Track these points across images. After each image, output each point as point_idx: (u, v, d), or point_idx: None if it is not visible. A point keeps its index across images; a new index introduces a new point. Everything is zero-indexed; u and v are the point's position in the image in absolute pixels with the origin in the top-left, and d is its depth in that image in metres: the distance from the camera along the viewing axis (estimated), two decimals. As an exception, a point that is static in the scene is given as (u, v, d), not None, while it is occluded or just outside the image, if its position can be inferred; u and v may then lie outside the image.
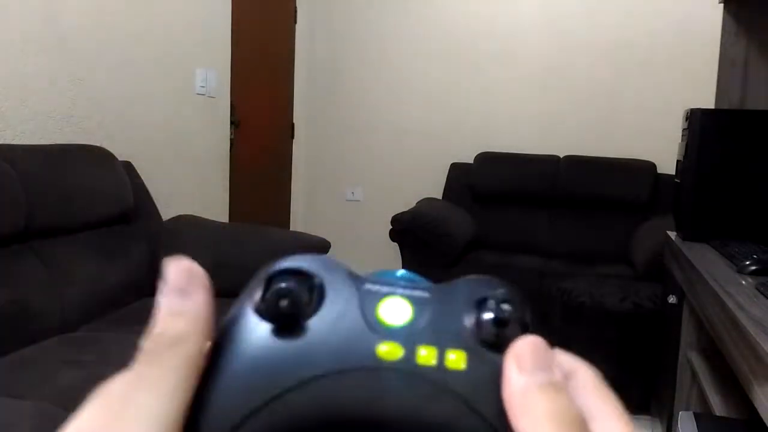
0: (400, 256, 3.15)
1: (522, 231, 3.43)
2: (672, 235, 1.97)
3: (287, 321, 0.19)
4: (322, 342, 0.19)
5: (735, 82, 2.06)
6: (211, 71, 3.05)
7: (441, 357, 0.19)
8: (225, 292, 1.84)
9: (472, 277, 0.21)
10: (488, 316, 0.19)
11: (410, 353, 0.19)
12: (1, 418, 1.19)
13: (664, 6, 3.42)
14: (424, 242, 3.04)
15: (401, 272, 0.21)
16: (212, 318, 0.19)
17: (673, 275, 1.84)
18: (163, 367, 0.17)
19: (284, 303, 0.19)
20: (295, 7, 3.94)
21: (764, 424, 0.91)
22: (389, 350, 0.19)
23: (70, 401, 1.30)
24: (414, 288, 0.20)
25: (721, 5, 2.07)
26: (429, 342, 0.19)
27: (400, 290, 0.20)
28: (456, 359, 0.19)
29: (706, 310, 1.35)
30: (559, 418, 0.17)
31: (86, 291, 1.91)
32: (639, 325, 2.31)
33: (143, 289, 2.15)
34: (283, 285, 0.19)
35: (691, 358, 1.74)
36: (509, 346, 0.19)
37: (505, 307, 0.20)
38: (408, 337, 0.19)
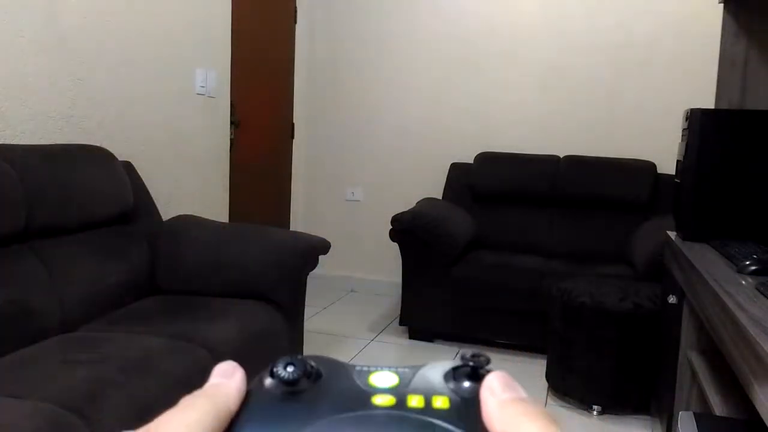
0: (400, 256, 3.15)
1: (522, 231, 3.43)
2: (672, 235, 1.97)
3: (294, 383, 0.22)
4: (324, 397, 0.22)
5: (735, 82, 2.06)
6: (211, 71, 3.05)
7: (428, 401, 0.22)
8: (225, 292, 1.85)
9: (439, 363, 0.24)
10: (465, 370, 0.23)
11: (401, 400, 0.22)
12: (1, 418, 1.19)
13: (664, 6, 3.42)
14: (424, 242, 3.04)
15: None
16: (243, 393, 0.23)
17: (673, 275, 1.84)
18: (197, 407, 0.21)
19: (291, 369, 0.23)
20: (295, 7, 3.94)
21: (764, 424, 0.91)
22: (383, 400, 0.22)
23: (70, 401, 1.30)
24: (398, 368, 0.24)
25: (721, 5, 2.07)
26: (417, 392, 0.22)
27: (386, 368, 0.24)
28: (441, 402, 0.22)
29: (706, 310, 1.35)
30: (531, 413, 0.21)
31: (86, 291, 1.91)
32: (639, 325, 2.31)
33: (143, 289, 2.15)
34: (289, 359, 0.23)
35: (691, 358, 1.74)
36: (482, 385, 0.23)
37: (476, 360, 0.23)
38: (398, 390, 0.22)
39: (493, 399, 0.22)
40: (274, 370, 0.23)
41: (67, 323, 1.82)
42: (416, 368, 0.24)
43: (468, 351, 0.24)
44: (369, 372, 0.23)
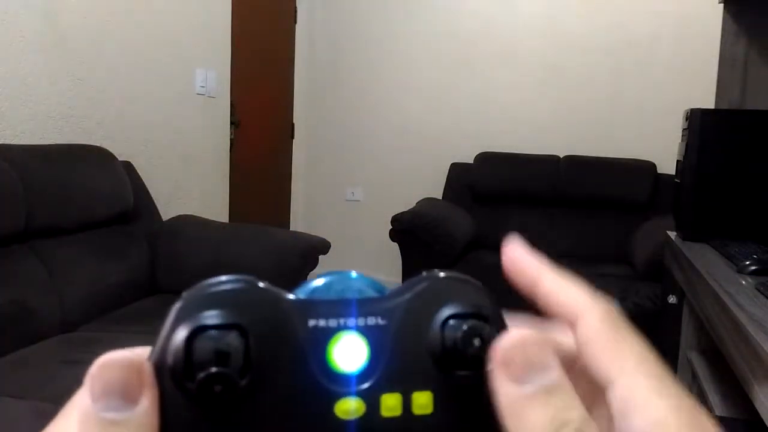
0: (400, 256, 3.15)
1: (522, 231, 3.39)
2: (672, 235, 1.97)
3: (222, 405, 0.16)
4: (270, 412, 0.16)
5: (735, 82, 2.06)
6: (211, 71, 3.05)
7: (407, 403, 0.17)
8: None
9: (433, 279, 0.19)
10: (456, 347, 0.17)
11: (373, 407, 0.17)
12: (1, 418, 1.19)
13: (664, 6, 3.42)
14: (424, 242, 3.04)
15: (349, 277, 0.19)
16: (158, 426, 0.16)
17: (673, 275, 1.84)
18: None
19: (218, 388, 0.16)
20: (295, 7, 3.94)
21: (764, 424, 0.91)
22: (350, 408, 0.17)
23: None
24: (367, 312, 0.18)
25: (721, 5, 2.07)
26: (392, 388, 0.17)
27: (352, 321, 0.17)
28: (423, 403, 0.17)
29: (706, 310, 1.35)
30: (557, 425, 0.15)
31: (86, 291, 1.91)
32: (639, 325, 2.30)
33: (143, 289, 2.15)
34: (213, 369, 0.16)
35: (691, 358, 1.74)
36: (490, 352, 0.17)
37: (474, 327, 0.17)
38: (369, 387, 0.17)
39: (511, 390, 0.16)
40: (182, 371, 0.16)
41: (67, 323, 1.82)
42: (391, 312, 0.18)
43: (459, 288, 0.18)
44: (328, 338, 0.17)
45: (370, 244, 3.99)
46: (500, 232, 3.24)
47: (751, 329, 0.98)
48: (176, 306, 0.17)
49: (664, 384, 0.17)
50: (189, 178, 2.94)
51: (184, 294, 0.17)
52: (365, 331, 0.17)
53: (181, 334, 0.16)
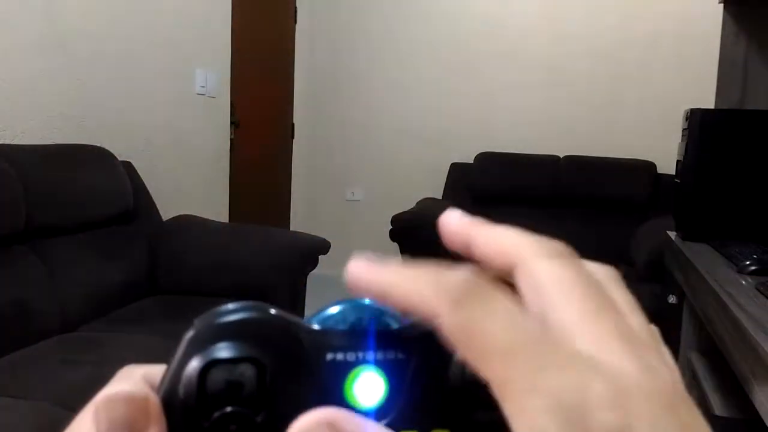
0: (400, 256, 3.15)
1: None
2: (672, 235, 1.97)
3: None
4: None
5: (735, 82, 2.06)
6: (211, 71, 3.05)
7: None
8: (225, 292, 1.85)
9: None
10: (477, 385, 0.16)
11: None
12: (1, 418, 1.19)
13: (664, 6, 3.42)
14: (424, 242, 3.03)
15: (362, 304, 0.18)
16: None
17: (673, 275, 1.84)
18: None
19: (234, 427, 0.15)
20: (295, 7, 3.94)
21: (764, 424, 0.91)
22: None
23: (70, 401, 1.30)
24: (387, 345, 0.17)
25: (721, 5, 2.07)
26: (410, 425, 0.16)
27: (371, 355, 0.17)
28: None
29: (706, 310, 1.35)
30: None
31: (86, 291, 1.91)
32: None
33: (143, 289, 2.15)
34: (228, 408, 0.15)
35: (691, 358, 1.74)
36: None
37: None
38: (386, 424, 0.16)
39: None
40: (195, 407, 0.15)
41: (67, 323, 1.82)
42: (409, 344, 0.17)
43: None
44: (346, 373, 0.16)
45: (370, 244, 3.99)
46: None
47: (751, 329, 0.97)
48: (187, 336, 0.17)
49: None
50: (189, 178, 2.94)
51: (196, 322, 0.17)
52: (384, 366, 0.17)
53: (194, 366, 0.16)
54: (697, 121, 1.79)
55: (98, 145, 2.24)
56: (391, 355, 0.17)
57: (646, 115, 3.48)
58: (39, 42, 2.10)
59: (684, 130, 1.89)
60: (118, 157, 2.24)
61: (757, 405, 0.94)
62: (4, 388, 1.35)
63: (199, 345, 0.16)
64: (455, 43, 3.79)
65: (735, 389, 1.41)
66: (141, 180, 2.37)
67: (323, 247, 2.30)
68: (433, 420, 0.16)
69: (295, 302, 2.28)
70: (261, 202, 3.72)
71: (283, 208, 4.03)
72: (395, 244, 3.12)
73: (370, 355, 0.17)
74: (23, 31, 2.04)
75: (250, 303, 0.17)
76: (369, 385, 0.17)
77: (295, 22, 3.96)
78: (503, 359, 0.14)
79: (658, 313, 2.28)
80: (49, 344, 1.65)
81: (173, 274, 2.20)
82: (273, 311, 0.17)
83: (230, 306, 0.17)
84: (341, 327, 0.17)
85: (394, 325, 0.18)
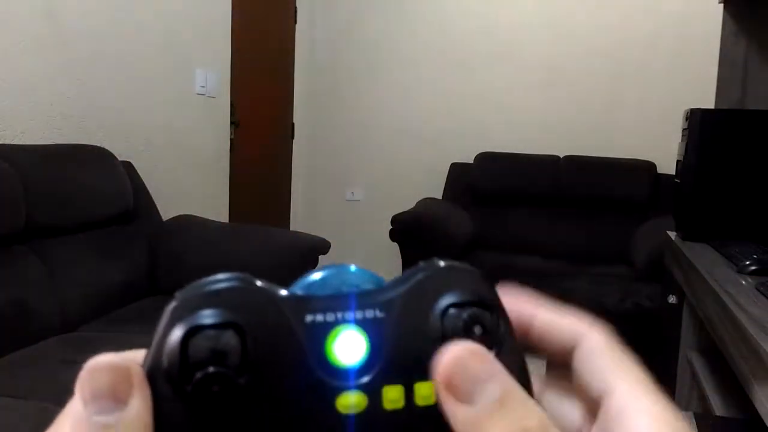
0: (400, 256, 3.15)
1: (522, 231, 3.43)
2: (672, 235, 1.97)
3: (221, 404, 0.16)
4: (270, 410, 0.16)
5: (735, 82, 2.06)
6: (211, 71, 3.05)
7: (409, 395, 0.17)
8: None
9: (432, 268, 0.18)
10: (457, 336, 0.17)
11: (375, 400, 0.16)
12: (1, 418, 1.19)
13: (664, 6, 3.42)
14: (424, 242, 3.04)
15: (347, 270, 0.18)
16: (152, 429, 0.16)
17: (673, 275, 1.84)
18: None
19: (216, 388, 0.16)
20: (295, 7, 3.94)
21: (764, 424, 0.91)
22: (351, 402, 0.16)
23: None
24: (365, 305, 0.17)
25: (721, 5, 2.07)
26: (393, 380, 0.17)
27: (350, 315, 0.17)
28: (425, 394, 0.17)
29: (706, 310, 1.35)
30: None
31: (86, 291, 1.91)
32: (639, 325, 2.31)
33: (143, 289, 2.15)
34: (210, 369, 0.15)
35: (691, 358, 1.74)
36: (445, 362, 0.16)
37: (475, 315, 0.17)
38: (370, 380, 0.17)
39: (461, 412, 0.15)
40: (178, 372, 0.15)
41: (67, 323, 1.82)
42: (390, 304, 0.17)
43: (458, 277, 0.17)
44: (327, 332, 0.17)
45: (370, 244, 3.99)
46: (500, 232, 3.23)
47: (751, 329, 0.97)
48: (170, 306, 0.17)
49: (655, 393, 0.17)
50: (189, 178, 2.94)
51: (178, 294, 0.17)
52: (363, 324, 0.17)
53: (177, 334, 0.16)
54: (697, 121, 1.79)
55: (98, 145, 2.24)
56: (370, 313, 0.17)
57: (646, 115, 3.48)
58: (39, 42, 2.10)
59: (684, 130, 1.89)
60: (118, 157, 2.24)
61: (757, 405, 0.94)
62: (4, 388, 1.35)
63: (181, 314, 0.17)
64: (455, 43, 3.79)
65: (735, 389, 1.41)
66: (141, 180, 2.37)
67: (323, 247, 2.30)
68: (416, 373, 0.17)
69: (295, 302, 2.27)
70: (261, 202, 3.72)
71: (283, 208, 4.03)
72: (395, 244, 3.12)
73: (350, 315, 0.17)
74: (23, 31, 2.04)
75: (233, 274, 0.18)
76: (350, 344, 0.17)
77: (295, 22, 3.96)
78: None
79: (658, 313, 2.28)
80: (49, 344, 1.65)
81: (173, 274, 2.20)
82: (256, 281, 0.18)
83: (213, 277, 0.18)
84: (323, 292, 0.18)
85: (374, 288, 0.18)
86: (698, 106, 1.83)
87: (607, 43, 3.52)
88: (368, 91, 3.99)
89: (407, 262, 3.11)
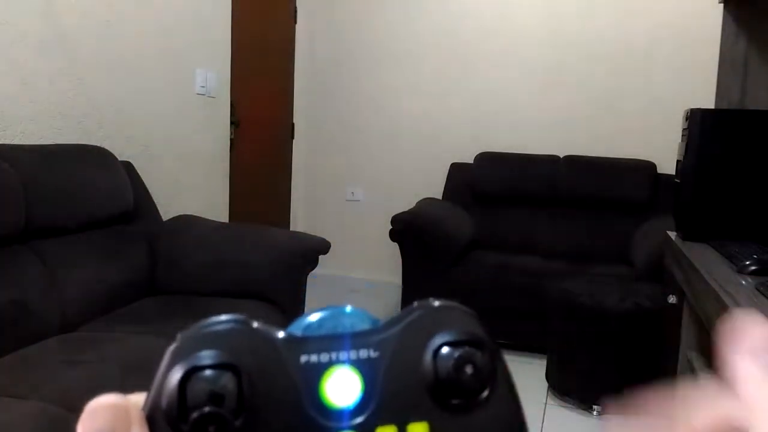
0: (400, 256, 3.15)
1: (522, 231, 3.43)
2: (672, 235, 1.97)
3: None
4: None
5: (735, 82, 2.06)
6: (211, 71, 3.05)
7: None
8: (225, 292, 1.85)
9: (425, 308, 0.18)
10: (449, 375, 0.17)
11: None
12: (1, 418, 1.19)
13: (664, 6, 3.42)
14: (424, 242, 3.04)
15: (342, 312, 0.19)
16: None
17: (673, 275, 1.84)
18: None
19: (212, 429, 0.16)
20: (295, 7, 3.94)
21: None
22: None
23: (70, 401, 1.30)
24: (360, 345, 0.18)
25: (721, 5, 2.07)
26: (387, 420, 0.17)
27: (344, 355, 0.17)
28: None
29: (706, 310, 1.35)
30: None
31: (86, 291, 1.91)
32: (639, 325, 2.31)
33: (143, 289, 2.15)
34: (206, 409, 0.16)
35: (691, 358, 1.74)
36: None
37: (466, 354, 0.17)
38: (364, 420, 0.17)
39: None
40: (176, 413, 0.16)
41: (67, 323, 1.82)
42: (384, 343, 0.17)
43: (450, 318, 0.17)
44: (321, 372, 0.17)
45: (370, 244, 3.99)
46: (500, 232, 3.22)
47: (751, 329, 0.97)
48: (171, 348, 0.18)
49: None
50: (189, 178, 2.94)
51: (179, 335, 0.18)
52: (357, 365, 0.17)
53: (176, 375, 0.17)
54: (697, 121, 1.79)
55: (98, 145, 2.24)
56: (364, 353, 0.17)
57: (646, 115, 3.48)
58: (39, 42, 2.10)
59: (684, 130, 1.89)
60: (118, 157, 2.24)
61: (757, 405, 0.94)
62: (4, 388, 1.35)
63: (181, 355, 0.17)
64: (455, 43, 3.79)
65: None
66: (141, 180, 2.37)
67: (323, 247, 2.30)
68: (410, 414, 0.17)
69: (295, 302, 2.28)
70: (261, 202, 3.72)
71: (283, 208, 4.03)
72: (395, 244, 3.12)
73: (344, 355, 0.17)
74: (23, 32, 2.04)
75: (232, 316, 0.18)
76: (344, 384, 0.17)
77: (295, 21, 3.96)
78: None
79: (658, 313, 2.28)
80: (49, 344, 1.65)
81: (173, 274, 2.20)
82: (254, 323, 0.18)
83: (212, 319, 0.18)
84: (318, 333, 0.18)
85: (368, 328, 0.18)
86: (698, 106, 1.83)
87: (607, 43, 3.52)
88: (368, 91, 3.99)
89: (407, 262, 3.11)
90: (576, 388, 2.43)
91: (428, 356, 0.17)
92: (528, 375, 2.71)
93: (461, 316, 0.18)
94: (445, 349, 0.17)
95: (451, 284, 3.03)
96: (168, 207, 2.66)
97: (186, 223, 2.36)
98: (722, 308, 1.17)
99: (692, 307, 1.65)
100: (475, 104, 3.78)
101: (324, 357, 0.17)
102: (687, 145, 1.82)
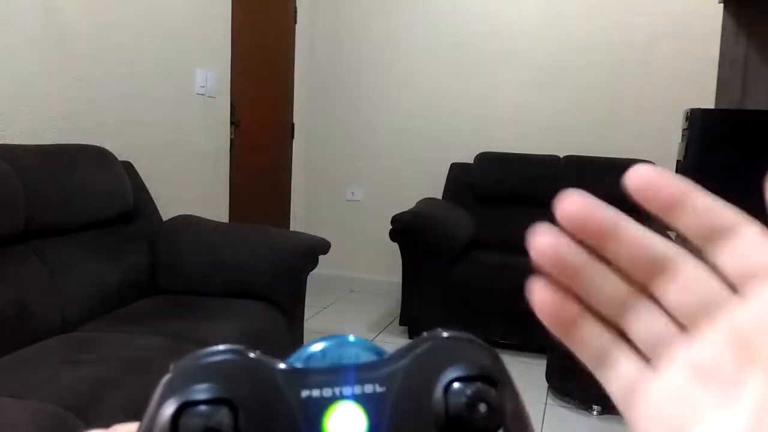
0: (400, 256, 3.15)
1: (522, 231, 3.40)
2: (672, 235, 1.97)
3: None
4: None
5: (735, 82, 2.06)
6: (211, 71, 3.05)
7: None
8: (225, 292, 1.85)
9: (434, 339, 0.17)
10: (461, 413, 0.15)
11: None
12: (1, 418, 1.19)
13: (664, 6, 3.42)
14: (424, 242, 3.04)
15: (346, 341, 0.18)
16: None
17: (673, 275, 1.84)
18: None
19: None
20: (295, 7, 3.94)
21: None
22: None
23: (70, 401, 1.30)
24: (365, 379, 0.16)
25: (721, 5, 2.07)
26: None
27: (348, 390, 0.16)
28: None
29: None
30: None
31: (86, 291, 1.91)
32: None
33: (143, 289, 2.15)
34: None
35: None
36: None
37: (479, 391, 0.16)
38: None
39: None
40: None
41: (67, 323, 1.82)
42: (391, 378, 0.16)
43: (461, 353, 0.16)
44: (324, 408, 0.16)
45: (370, 244, 3.99)
46: (500, 232, 3.23)
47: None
48: (164, 379, 0.17)
49: None
50: (189, 178, 2.94)
51: (173, 366, 0.17)
52: (362, 400, 0.16)
53: (168, 409, 0.16)
54: (697, 121, 1.79)
55: (98, 145, 2.24)
56: (369, 388, 0.16)
57: (646, 115, 3.48)
58: (39, 42, 2.10)
59: (684, 130, 1.89)
60: (118, 157, 2.24)
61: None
62: (4, 388, 1.35)
63: (175, 388, 0.16)
64: (455, 43, 3.79)
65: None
66: (141, 180, 2.37)
67: (323, 247, 2.30)
68: None
69: (295, 302, 2.28)
70: (261, 202, 3.72)
71: (283, 208, 4.03)
72: (395, 244, 3.12)
73: (348, 390, 0.16)
74: (23, 31, 2.04)
75: (228, 346, 0.17)
76: (348, 420, 0.16)
77: (295, 22, 3.96)
78: None
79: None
80: (49, 344, 1.65)
81: (173, 274, 2.20)
82: (251, 354, 0.17)
83: (207, 350, 0.17)
84: (321, 364, 0.17)
85: (374, 360, 0.17)
86: (698, 106, 1.83)
87: (607, 43, 3.52)
88: (368, 91, 3.99)
89: (407, 262, 3.11)
90: (576, 388, 2.43)
91: (438, 392, 0.16)
92: (528, 375, 2.71)
93: (473, 348, 0.17)
94: (456, 385, 0.16)
95: (451, 284, 3.03)
96: (168, 207, 2.66)
97: (186, 223, 2.36)
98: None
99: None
100: (475, 104, 3.78)
101: (327, 391, 0.16)
102: (687, 145, 1.82)
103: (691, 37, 3.36)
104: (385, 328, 3.35)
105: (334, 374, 0.17)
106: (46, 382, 1.40)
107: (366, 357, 0.17)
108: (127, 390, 1.43)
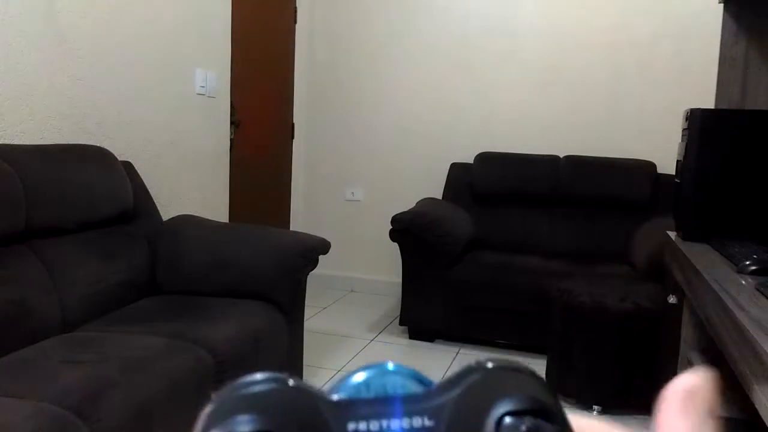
0: (400, 256, 3.15)
1: (522, 231, 3.43)
2: (672, 235, 1.97)
3: None
4: None
5: (735, 82, 2.06)
6: (211, 71, 3.05)
7: None
8: (225, 292, 1.86)
9: (483, 370, 0.17)
10: None
11: None
12: (1, 418, 1.19)
13: (664, 6, 3.42)
14: (424, 242, 3.04)
15: (386, 369, 0.17)
16: None
17: (673, 275, 1.84)
18: None
19: None
20: (295, 7, 3.94)
21: (764, 424, 0.91)
22: None
23: (70, 401, 1.30)
24: (412, 411, 0.16)
25: (721, 5, 2.07)
26: None
27: (396, 423, 0.16)
28: None
29: (706, 310, 1.35)
30: None
31: (86, 291, 1.91)
32: (639, 325, 2.31)
33: (143, 289, 2.15)
34: None
35: (691, 358, 1.74)
36: None
37: (534, 426, 0.15)
38: None
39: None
40: None
41: (67, 323, 1.82)
42: (438, 410, 0.16)
43: (517, 384, 0.16)
44: None
45: (370, 244, 3.99)
46: (500, 232, 3.22)
47: (751, 329, 0.97)
48: (206, 411, 0.16)
49: None
50: (189, 178, 2.94)
51: (214, 396, 0.16)
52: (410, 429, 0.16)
53: None
54: (697, 121, 1.79)
55: (98, 145, 2.24)
56: (418, 421, 0.16)
57: (646, 115, 3.48)
58: (39, 42, 2.10)
59: (684, 130, 1.89)
60: (118, 157, 2.24)
61: (757, 405, 0.94)
62: (4, 388, 1.35)
63: (217, 420, 0.15)
64: (455, 42, 3.79)
65: (735, 389, 1.41)
66: (141, 180, 2.37)
67: (323, 247, 2.30)
68: None
69: (295, 302, 2.28)
70: (261, 201, 3.72)
71: (283, 208, 4.03)
72: (395, 244, 3.12)
73: (396, 423, 0.16)
74: (23, 31, 2.04)
75: (270, 375, 0.17)
76: None
77: (295, 22, 3.96)
78: None
79: (658, 313, 2.28)
80: (49, 344, 1.65)
81: (173, 274, 2.20)
82: (292, 382, 0.16)
83: (249, 378, 0.17)
84: (366, 395, 0.17)
85: (421, 390, 0.17)
86: (698, 106, 1.83)
87: (607, 43, 3.52)
88: (368, 91, 3.99)
89: (407, 262, 3.11)
90: (576, 388, 2.43)
91: (490, 427, 0.15)
92: (528, 375, 2.71)
93: (526, 380, 0.16)
94: (508, 419, 0.15)
95: (451, 284, 3.04)
96: (168, 207, 2.66)
97: (186, 223, 2.36)
98: (722, 308, 1.17)
99: (692, 307, 1.65)
100: (475, 104, 3.78)
101: (374, 425, 0.15)
102: (687, 145, 1.82)
103: (691, 37, 3.36)
104: (385, 328, 3.35)
105: (381, 406, 0.16)
106: (45, 382, 1.40)
107: (411, 386, 0.17)
108: (127, 390, 1.43)
